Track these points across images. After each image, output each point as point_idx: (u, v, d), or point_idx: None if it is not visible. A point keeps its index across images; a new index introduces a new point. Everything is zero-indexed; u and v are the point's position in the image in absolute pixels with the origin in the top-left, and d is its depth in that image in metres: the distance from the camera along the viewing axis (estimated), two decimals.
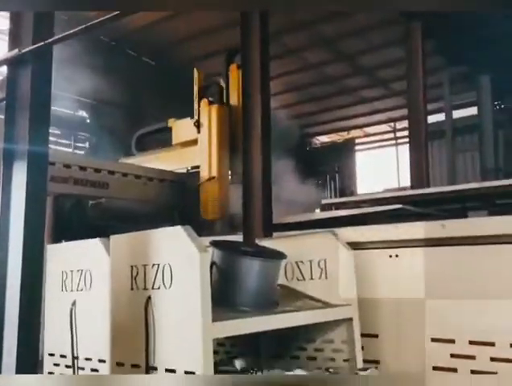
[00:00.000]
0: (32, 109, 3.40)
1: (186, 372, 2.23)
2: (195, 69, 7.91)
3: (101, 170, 4.55)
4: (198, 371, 2.18)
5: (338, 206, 4.21)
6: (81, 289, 2.84)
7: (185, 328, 2.24)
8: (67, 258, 2.97)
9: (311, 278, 3.06)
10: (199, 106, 7.47)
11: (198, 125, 7.04)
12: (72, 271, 2.91)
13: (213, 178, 4.44)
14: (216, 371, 2.66)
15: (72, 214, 4.80)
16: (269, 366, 2.80)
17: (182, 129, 7.50)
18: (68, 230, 4.49)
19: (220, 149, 4.75)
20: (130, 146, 8.72)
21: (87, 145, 12.14)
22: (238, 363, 2.99)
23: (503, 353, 2.65)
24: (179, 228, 2.31)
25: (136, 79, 11.68)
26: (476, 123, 9.93)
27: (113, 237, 2.66)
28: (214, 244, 2.73)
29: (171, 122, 8.20)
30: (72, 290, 2.89)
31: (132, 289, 2.49)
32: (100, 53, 10.32)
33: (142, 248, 2.46)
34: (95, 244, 2.77)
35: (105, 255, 2.69)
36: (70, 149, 11.71)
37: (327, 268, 3.00)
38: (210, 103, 7.45)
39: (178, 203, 4.65)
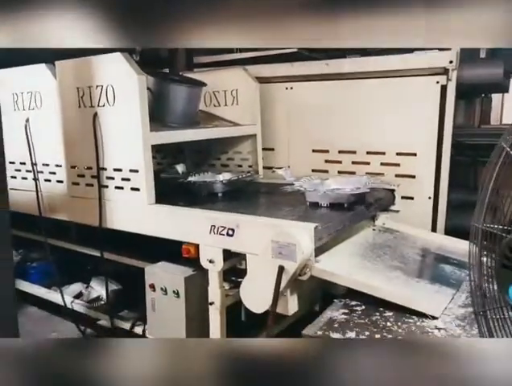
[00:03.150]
0: None
1: (131, 171, 2.31)
2: None
3: None
4: (141, 170, 2.27)
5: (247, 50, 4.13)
6: (33, 109, 2.70)
7: (128, 137, 2.27)
8: (16, 81, 2.75)
9: (225, 104, 3.11)
10: None
11: None
12: (22, 93, 2.72)
13: None
14: (158, 177, 2.76)
15: None
16: (200, 170, 2.92)
17: None
18: None
19: None
20: None
21: None
22: (180, 168, 3.06)
23: (360, 158, 2.98)
24: (118, 55, 2.21)
25: None
26: None
27: (58, 63, 2.48)
28: (148, 72, 2.64)
29: None
30: (24, 109, 2.73)
31: (79, 106, 2.42)
32: None
33: (87, 72, 2.34)
34: (42, 68, 2.57)
35: (52, 78, 2.53)
36: None
37: (238, 96, 3.05)
38: None
39: None
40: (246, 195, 2.67)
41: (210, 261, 2.10)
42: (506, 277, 0.89)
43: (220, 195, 2.61)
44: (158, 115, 2.59)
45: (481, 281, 1.09)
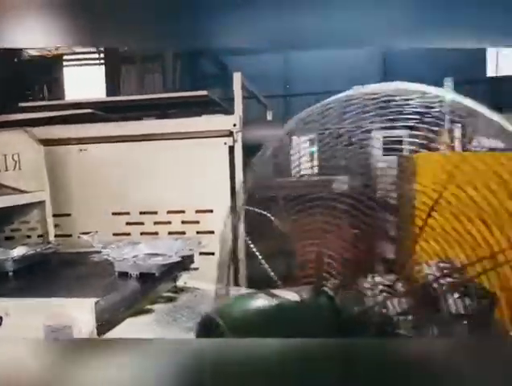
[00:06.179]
0: None
1: None
2: None
3: None
4: None
5: (39, 109, 3.82)
6: None
7: None
8: None
9: (6, 170, 2.78)
10: None
11: None
12: None
13: None
14: None
15: None
16: None
17: None
18: None
19: None
20: None
21: None
22: None
23: (162, 218, 2.96)
24: None
25: None
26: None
27: None
28: None
29: None
30: None
31: None
32: None
33: None
34: None
35: None
36: None
37: (20, 160, 2.77)
38: None
39: None
40: (45, 271, 2.35)
41: None
42: None
43: (10, 274, 2.24)
44: None
45: None
